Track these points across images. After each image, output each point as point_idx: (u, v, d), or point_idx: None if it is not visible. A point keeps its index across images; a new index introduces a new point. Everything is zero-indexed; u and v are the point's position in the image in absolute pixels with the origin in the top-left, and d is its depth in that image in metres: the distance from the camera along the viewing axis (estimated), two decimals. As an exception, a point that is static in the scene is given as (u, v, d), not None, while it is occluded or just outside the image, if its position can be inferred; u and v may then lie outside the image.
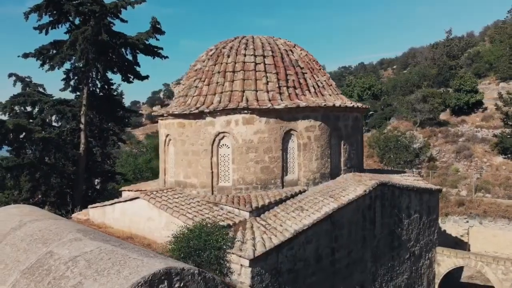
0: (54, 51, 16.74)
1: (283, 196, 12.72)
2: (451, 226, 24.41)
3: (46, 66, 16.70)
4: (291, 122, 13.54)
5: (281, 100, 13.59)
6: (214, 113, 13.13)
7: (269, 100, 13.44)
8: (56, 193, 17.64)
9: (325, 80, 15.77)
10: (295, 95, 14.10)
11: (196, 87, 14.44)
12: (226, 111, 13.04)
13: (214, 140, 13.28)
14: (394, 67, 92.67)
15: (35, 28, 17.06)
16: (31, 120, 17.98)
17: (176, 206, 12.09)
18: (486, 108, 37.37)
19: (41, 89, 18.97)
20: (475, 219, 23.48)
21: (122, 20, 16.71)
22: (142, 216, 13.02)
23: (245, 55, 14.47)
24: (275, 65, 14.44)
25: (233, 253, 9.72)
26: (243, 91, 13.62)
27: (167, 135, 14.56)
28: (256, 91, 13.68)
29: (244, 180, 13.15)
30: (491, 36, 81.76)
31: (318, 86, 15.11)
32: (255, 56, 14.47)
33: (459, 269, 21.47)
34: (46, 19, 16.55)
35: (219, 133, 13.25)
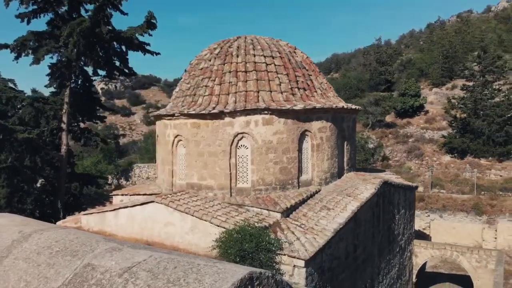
0: (36, 43, 15.08)
1: (304, 196, 12.87)
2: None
3: (30, 59, 14.96)
4: (306, 123, 13.74)
5: (295, 101, 13.73)
6: (233, 114, 12.88)
7: (285, 101, 13.52)
8: (33, 200, 15.89)
9: (326, 83, 16.22)
10: (306, 96, 14.32)
11: (206, 86, 14.03)
12: (246, 112, 12.87)
13: (233, 140, 13.02)
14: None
15: (16, 17, 15.21)
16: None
17: (201, 209, 11.68)
18: (427, 111, 40.73)
19: (11, 85, 16.93)
20: (436, 213, 25.54)
21: (122, 13, 15.53)
22: (158, 221, 12.37)
23: (254, 55, 14.37)
24: (284, 66, 14.54)
25: (284, 254, 9.70)
26: (258, 92, 13.54)
27: (176, 136, 13.96)
28: (271, 91, 13.68)
29: (263, 181, 13.07)
30: (406, 44, 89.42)
31: (323, 88, 15.50)
32: (265, 56, 14.45)
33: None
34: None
35: (238, 133, 13.02)
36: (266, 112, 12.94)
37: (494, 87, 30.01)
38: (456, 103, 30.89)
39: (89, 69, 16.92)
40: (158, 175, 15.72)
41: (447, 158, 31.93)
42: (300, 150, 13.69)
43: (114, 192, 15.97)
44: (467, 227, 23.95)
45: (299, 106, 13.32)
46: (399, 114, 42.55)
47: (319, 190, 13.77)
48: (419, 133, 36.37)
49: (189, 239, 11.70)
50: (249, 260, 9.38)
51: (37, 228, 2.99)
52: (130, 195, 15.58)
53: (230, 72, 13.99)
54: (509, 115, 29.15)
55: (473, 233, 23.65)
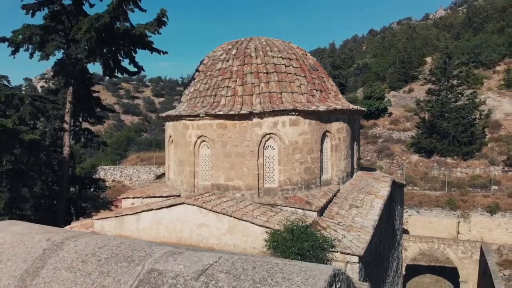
0: (40, 38, 14.02)
1: (330, 195, 13.27)
2: (391, 216, 27.69)
3: (38, 55, 13.86)
4: (327, 124, 14.18)
5: (316, 102, 14.12)
6: (262, 114, 13.00)
7: (307, 103, 13.86)
8: (32, 205, 14.78)
9: (335, 85, 16.78)
10: (323, 98, 14.76)
11: (227, 87, 14.00)
12: (274, 113, 13.04)
13: (260, 141, 13.13)
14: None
15: (22, 8, 14.04)
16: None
17: (238, 210, 11.70)
18: (391, 113, 42.98)
19: (5, 82, 15.59)
20: (413, 209, 27.13)
21: (141, 9, 14.83)
22: (188, 223, 12.20)
23: (273, 57, 14.59)
24: (301, 68, 14.88)
25: (337, 251, 10.03)
26: (281, 93, 13.77)
27: (199, 137, 13.78)
28: (292, 93, 13.96)
29: (290, 180, 13.31)
30: (350, 49, 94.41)
31: (334, 90, 16.03)
32: (283, 58, 14.71)
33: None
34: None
35: (266, 134, 13.16)
36: (293, 113, 13.19)
37: (458, 91, 32.49)
38: (424, 106, 33.04)
39: (90, 67, 16.16)
40: (172, 177, 15.38)
41: (415, 157, 33.96)
42: (321, 150, 14.10)
43: (123, 195, 15.38)
44: (442, 221, 25.69)
45: (322, 107, 13.72)
46: (364, 116, 44.48)
47: (339, 189, 14.25)
48: (387, 133, 38.32)
49: (226, 240, 11.66)
50: (308, 258, 9.62)
51: (66, 235, 2.80)
52: (143, 197, 15.10)
53: (251, 73, 14.07)
54: (473, 117, 31.71)
55: (448, 226, 25.41)
